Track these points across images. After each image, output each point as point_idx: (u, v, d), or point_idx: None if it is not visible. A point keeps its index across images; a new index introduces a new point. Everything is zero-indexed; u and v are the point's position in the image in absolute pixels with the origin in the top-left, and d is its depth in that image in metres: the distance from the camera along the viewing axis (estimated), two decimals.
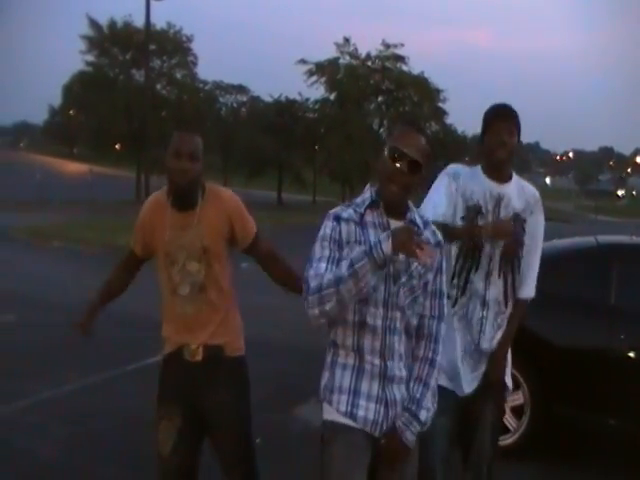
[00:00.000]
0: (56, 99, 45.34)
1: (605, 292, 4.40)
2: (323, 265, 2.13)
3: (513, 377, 4.42)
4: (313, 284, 2.09)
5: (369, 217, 2.21)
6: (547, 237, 6.45)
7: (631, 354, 4.24)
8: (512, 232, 2.74)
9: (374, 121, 44.45)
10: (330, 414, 2.23)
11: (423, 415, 2.23)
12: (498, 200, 2.75)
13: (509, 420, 4.49)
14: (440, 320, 2.30)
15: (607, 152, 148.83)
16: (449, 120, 45.53)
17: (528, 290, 2.92)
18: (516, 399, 4.46)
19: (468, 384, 2.85)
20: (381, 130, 44.45)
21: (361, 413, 2.19)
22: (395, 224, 2.19)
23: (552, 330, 4.48)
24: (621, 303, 4.35)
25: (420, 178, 2.18)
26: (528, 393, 4.42)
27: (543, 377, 4.44)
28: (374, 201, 2.22)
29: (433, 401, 2.28)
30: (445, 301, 2.32)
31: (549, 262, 4.97)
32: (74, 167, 59.56)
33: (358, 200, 2.26)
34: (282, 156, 41.65)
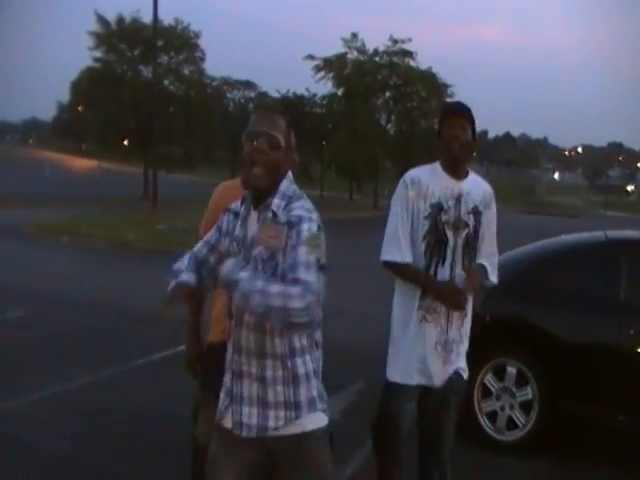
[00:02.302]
0: (64, 95, 45.58)
1: (614, 287, 4.38)
2: (199, 245, 2.27)
3: (521, 373, 4.47)
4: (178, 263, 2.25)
5: (242, 210, 2.20)
6: (556, 233, 6.41)
7: None
8: (462, 292, 2.85)
9: (381, 116, 44.39)
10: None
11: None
12: (458, 197, 2.90)
13: (517, 416, 4.49)
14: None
15: (616, 147, 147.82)
16: None
17: (491, 277, 3.03)
18: (524, 395, 4.46)
19: (439, 377, 2.93)
20: (388, 125, 44.38)
21: (228, 415, 2.18)
22: (255, 215, 2.14)
23: (561, 326, 4.47)
24: (630, 298, 4.33)
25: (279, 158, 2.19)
26: (536, 389, 4.42)
27: (552, 373, 4.43)
28: (245, 195, 2.21)
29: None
30: (302, 273, 1.90)
31: (558, 257, 4.97)
32: (82, 163, 59.73)
33: None
34: None
